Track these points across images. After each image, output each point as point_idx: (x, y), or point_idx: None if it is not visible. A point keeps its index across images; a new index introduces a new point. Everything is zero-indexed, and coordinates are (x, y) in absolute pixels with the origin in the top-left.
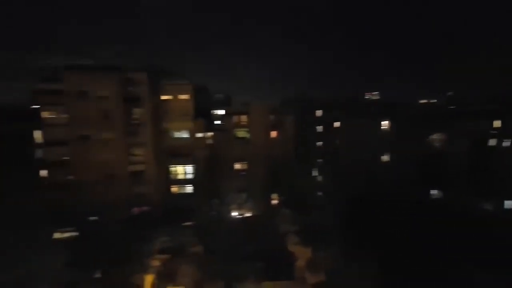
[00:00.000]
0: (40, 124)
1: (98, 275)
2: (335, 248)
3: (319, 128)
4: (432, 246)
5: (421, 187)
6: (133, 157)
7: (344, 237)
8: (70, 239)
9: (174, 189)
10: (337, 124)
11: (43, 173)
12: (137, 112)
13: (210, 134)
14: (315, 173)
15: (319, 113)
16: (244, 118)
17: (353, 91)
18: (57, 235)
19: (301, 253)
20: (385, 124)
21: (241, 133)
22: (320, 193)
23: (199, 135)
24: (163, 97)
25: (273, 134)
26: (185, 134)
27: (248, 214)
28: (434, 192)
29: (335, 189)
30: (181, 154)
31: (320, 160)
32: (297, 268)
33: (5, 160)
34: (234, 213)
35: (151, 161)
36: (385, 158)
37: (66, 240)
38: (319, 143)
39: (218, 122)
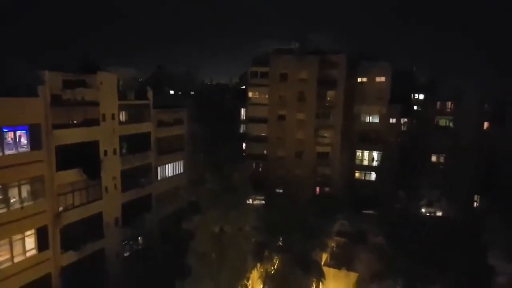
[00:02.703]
0: (246, 102)
1: (279, 243)
2: None
3: None
4: None
5: None
6: (321, 138)
7: None
8: (258, 206)
9: (357, 174)
10: None
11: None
12: (330, 94)
13: (405, 120)
14: None
15: None
16: (449, 105)
17: None
18: (249, 201)
19: (504, 271)
20: None
21: (444, 121)
22: None
23: (393, 120)
24: (359, 80)
25: (486, 126)
26: (376, 119)
27: (439, 214)
28: None
29: None
30: (370, 140)
31: None
32: (497, 286)
33: (219, 132)
34: (423, 210)
35: (338, 144)
36: None
37: (255, 207)
38: None
39: (418, 108)
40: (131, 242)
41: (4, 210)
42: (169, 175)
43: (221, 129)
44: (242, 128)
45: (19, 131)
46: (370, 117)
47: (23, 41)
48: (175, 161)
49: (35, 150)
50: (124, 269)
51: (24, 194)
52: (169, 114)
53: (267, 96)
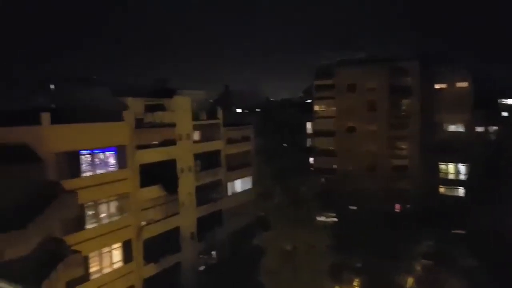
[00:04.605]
0: (312, 116)
1: (359, 264)
2: None
3: None
4: None
5: None
6: (397, 150)
7: None
8: (331, 224)
9: (442, 189)
10: None
11: (312, 160)
12: (405, 103)
13: (493, 128)
14: None
15: None
16: None
17: None
18: (320, 218)
19: None
20: None
21: None
22: None
23: (479, 129)
24: (437, 86)
25: None
26: (460, 128)
27: None
28: None
29: None
30: (454, 150)
31: None
32: None
33: (283, 145)
34: None
35: (417, 156)
36: None
37: (328, 224)
38: None
39: (506, 114)
40: (205, 256)
41: (95, 225)
42: (238, 190)
43: (287, 144)
44: (308, 142)
45: (108, 152)
46: (453, 126)
47: (98, 68)
48: (243, 177)
49: (121, 169)
50: (199, 283)
51: (112, 209)
52: (237, 132)
53: (333, 108)
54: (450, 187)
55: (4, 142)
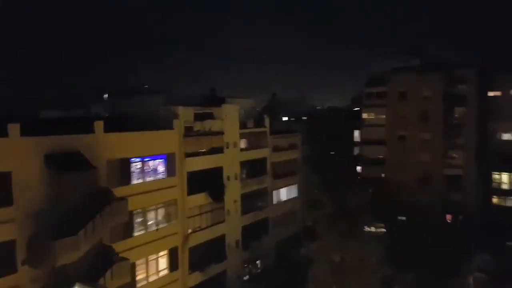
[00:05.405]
0: (360, 124)
1: (411, 276)
2: None
3: None
4: None
5: None
6: (451, 160)
7: None
8: (380, 235)
9: (495, 200)
10: None
11: (359, 169)
12: (459, 111)
13: None
14: None
15: None
16: None
17: None
18: (369, 229)
19: None
20: None
21: None
22: None
23: None
24: (492, 94)
25: None
26: None
27: None
28: None
29: None
30: (509, 160)
31: None
32: None
33: (331, 153)
34: None
35: (471, 166)
36: None
37: (377, 235)
38: None
39: None
40: (250, 265)
41: (143, 232)
42: (284, 199)
43: (334, 152)
44: (356, 151)
45: (157, 160)
46: (509, 134)
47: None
48: (289, 185)
49: (170, 177)
50: None
51: (160, 217)
52: (284, 140)
53: (383, 116)
54: (503, 197)
55: (59, 150)
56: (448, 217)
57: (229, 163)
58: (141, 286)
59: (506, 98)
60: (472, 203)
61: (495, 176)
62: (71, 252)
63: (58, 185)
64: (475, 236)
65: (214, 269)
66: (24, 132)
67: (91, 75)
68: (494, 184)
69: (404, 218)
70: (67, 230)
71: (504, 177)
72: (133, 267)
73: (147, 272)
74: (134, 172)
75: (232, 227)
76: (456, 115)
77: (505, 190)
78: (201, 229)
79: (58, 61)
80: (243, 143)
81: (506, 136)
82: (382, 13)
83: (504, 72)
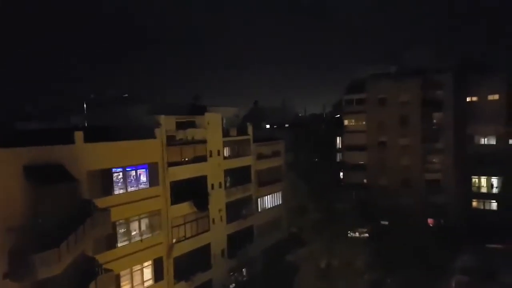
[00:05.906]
0: (341, 130)
1: (392, 280)
2: None
3: None
4: None
5: None
6: (430, 164)
7: None
8: (363, 239)
9: (475, 203)
10: None
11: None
12: (438, 116)
13: None
14: None
15: None
16: None
17: None
18: (353, 234)
19: None
20: None
21: None
22: None
23: None
24: (469, 99)
25: None
26: (492, 141)
27: None
28: None
29: None
30: (487, 164)
31: None
32: None
33: (314, 160)
34: None
35: (450, 170)
36: None
37: (359, 239)
38: None
39: None
40: (236, 274)
41: (127, 243)
42: (269, 206)
43: (317, 159)
44: (338, 157)
45: (139, 170)
46: (485, 139)
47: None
48: (274, 192)
49: (153, 186)
50: None
51: (144, 227)
52: (268, 147)
53: (364, 122)
54: (483, 200)
55: (38, 161)
56: (430, 220)
57: (213, 171)
58: None
59: (484, 103)
60: (452, 206)
61: (474, 180)
62: (53, 265)
63: (38, 198)
64: (456, 239)
65: (200, 278)
66: (1, 144)
67: (71, 84)
68: (473, 188)
69: (386, 222)
70: (48, 243)
71: (483, 180)
72: (117, 278)
73: (132, 283)
74: (116, 182)
75: (217, 236)
76: (434, 120)
77: (483, 194)
78: (186, 239)
79: (32, 74)
80: (226, 151)
81: (484, 140)
82: (363, 20)
83: (481, 77)
